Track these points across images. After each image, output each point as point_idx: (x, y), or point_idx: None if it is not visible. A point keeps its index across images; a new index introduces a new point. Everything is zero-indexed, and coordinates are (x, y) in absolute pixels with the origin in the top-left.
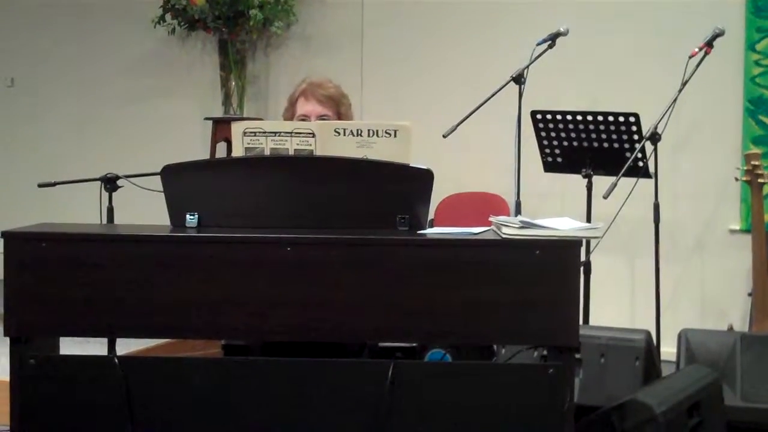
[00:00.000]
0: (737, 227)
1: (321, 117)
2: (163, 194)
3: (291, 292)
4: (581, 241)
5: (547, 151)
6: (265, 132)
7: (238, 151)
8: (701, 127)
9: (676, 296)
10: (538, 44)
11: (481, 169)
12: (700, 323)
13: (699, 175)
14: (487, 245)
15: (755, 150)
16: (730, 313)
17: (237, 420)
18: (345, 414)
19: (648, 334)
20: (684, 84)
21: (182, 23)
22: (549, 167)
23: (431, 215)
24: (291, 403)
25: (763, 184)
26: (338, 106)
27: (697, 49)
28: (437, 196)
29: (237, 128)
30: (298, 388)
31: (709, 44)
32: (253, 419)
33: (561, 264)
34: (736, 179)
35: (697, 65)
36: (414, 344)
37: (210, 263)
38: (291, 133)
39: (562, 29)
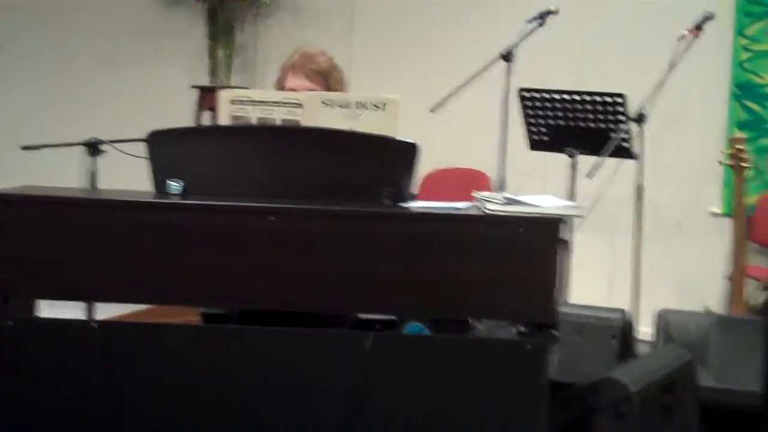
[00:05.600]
0: (719, 210)
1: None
2: (147, 161)
3: (272, 262)
4: (563, 220)
5: (533, 129)
6: (252, 101)
7: (224, 120)
8: (687, 110)
9: (654, 277)
10: (528, 22)
11: (467, 145)
12: (677, 304)
13: (683, 157)
14: (470, 220)
15: (740, 134)
16: (708, 295)
17: (214, 387)
18: (323, 384)
19: (625, 313)
20: (672, 66)
21: None
22: (534, 145)
23: (416, 189)
24: (269, 373)
25: (746, 168)
26: (327, 80)
27: (686, 32)
28: (422, 171)
29: (224, 96)
30: (277, 358)
31: (699, 27)
32: (231, 387)
33: (543, 241)
34: (720, 163)
35: (686, 48)
36: (393, 317)
37: (192, 230)
38: (278, 103)
39: (552, 8)
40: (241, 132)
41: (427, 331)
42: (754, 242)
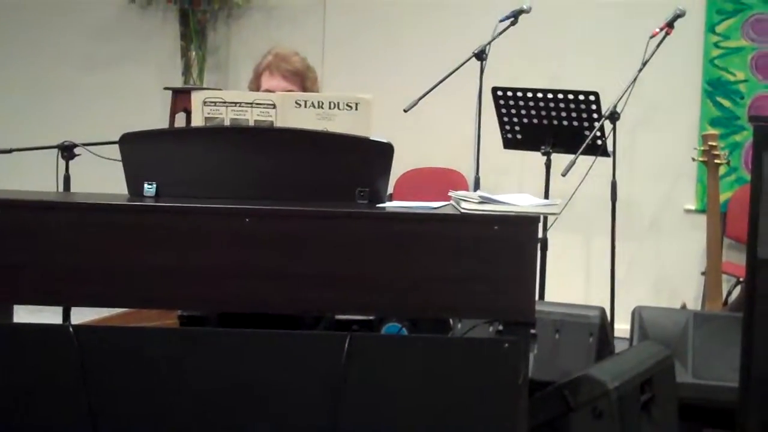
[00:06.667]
0: (693, 207)
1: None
2: (121, 163)
3: (249, 263)
4: (539, 218)
5: (507, 127)
6: (225, 102)
7: (197, 121)
8: (660, 107)
9: (630, 274)
10: (501, 21)
11: (442, 145)
12: (653, 301)
13: (656, 154)
14: (445, 219)
15: (712, 131)
16: (684, 291)
17: (192, 390)
18: (301, 386)
19: (602, 310)
20: (644, 64)
21: None
22: (509, 144)
23: (390, 189)
24: (247, 375)
25: (719, 164)
26: (304, 81)
27: (657, 30)
28: (397, 171)
29: (197, 98)
30: (255, 360)
31: (670, 25)
32: (209, 390)
33: (519, 239)
34: (693, 159)
35: (658, 46)
36: (371, 317)
37: (167, 233)
38: (251, 103)
39: (525, 6)
40: (214, 133)
41: (405, 331)
42: (728, 238)
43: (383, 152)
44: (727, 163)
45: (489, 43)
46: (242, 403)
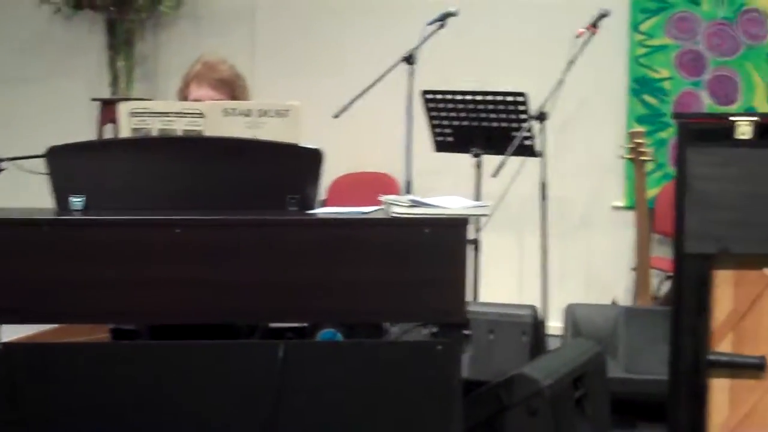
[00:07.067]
0: (621, 204)
1: None
2: (47, 177)
3: (180, 274)
4: (469, 219)
5: (438, 130)
6: (152, 112)
7: (124, 133)
8: (587, 106)
9: (562, 272)
10: (429, 24)
11: (373, 149)
12: (585, 298)
13: (585, 153)
14: (376, 224)
15: (639, 128)
16: (614, 287)
17: (125, 405)
18: (236, 396)
19: (535, 309)
20: (570, 64)
21: (68, 1)
22: (439, 147)
23: (323, 195)
24: (181, 387)
25: (646, 161)
26: (233, 89)
27: (583, 30)
28: (329, 177)
29: (123, 109)
30: (189, 372)
31: (595, 25)
32: (143, 404)
33: (450, 242)
34: (621, 157)
35: (583, 45)
36: (305, 324)
37: (96, 246)
38: (179, 113)
39: (452, 10)
40: (141, 144)
41: (340, 337)
42: (656, 233)
43: (313, 158)
44: (654, 160)
45: (418, 47)
46: (177, 415)
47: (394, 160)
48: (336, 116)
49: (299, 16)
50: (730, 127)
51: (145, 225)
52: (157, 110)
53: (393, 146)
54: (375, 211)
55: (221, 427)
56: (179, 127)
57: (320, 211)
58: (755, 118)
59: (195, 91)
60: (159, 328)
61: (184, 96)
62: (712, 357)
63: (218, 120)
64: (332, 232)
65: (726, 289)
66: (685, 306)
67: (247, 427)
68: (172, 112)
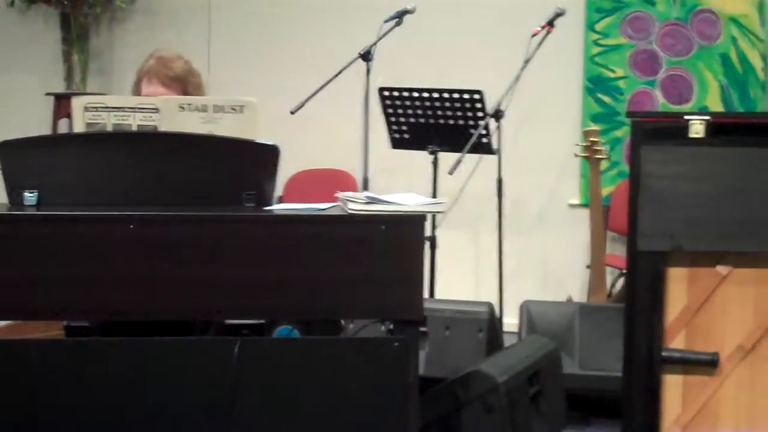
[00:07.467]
0: (577, 201)
1: None
2: (1, 172)
3: (135, 271)
4: (426, 216)
5: (395, 127)
6: (107, 107)
7: (79, 127)
8: (543, 104)
9: (518, 269)
10: (386, 21)
11: (330, 146)
12: (540, 295)
13: (541, 151)
14: (332, 221)
15: (593, 127)
16: (570, 284)
17: (79, 402)
18: (191, 393)
19: (491, 306)
20: (526, 62)
21: None
22: (396, 144)
23: (280, 192)
24: (136, 384)
25: (601, 159)
26: (185, 86)
27: (539, 28)
28: (286, 173)
29: (78, 103)
30: (143, 369)
31: (551, 23)
32: (97, 401)
33: (406, 238)
34: (576, 155)
35: (539, 44)
36: (261, 321)
37: (49, 242)
38: (134, 108)
39: (409, 7)
40: (95, 139)
41: (297, 334)
42: (611, 231)
43: (269, 154)
44: (609, 158)
45: (374, 44)
46: (131, 413)
47: (350, 156)
48: (293, 112)
49: (255, 11)
50: (684, 126)
51: (99, 221)
52: (112, 105)
53: (350, 143)
54: (331, 207)
55: (176, 424)
56: (134, 122)
57: (277, 208)
58: (708, 118)
59: (146, 88)
60: (112, 325)
61: (138, 91)
62: (665, 353)
63: (173, 115)
64: (289, 228)
65: (679, 286)
66: (639, 303)
67: (202, 424)
68: (126, 107)
